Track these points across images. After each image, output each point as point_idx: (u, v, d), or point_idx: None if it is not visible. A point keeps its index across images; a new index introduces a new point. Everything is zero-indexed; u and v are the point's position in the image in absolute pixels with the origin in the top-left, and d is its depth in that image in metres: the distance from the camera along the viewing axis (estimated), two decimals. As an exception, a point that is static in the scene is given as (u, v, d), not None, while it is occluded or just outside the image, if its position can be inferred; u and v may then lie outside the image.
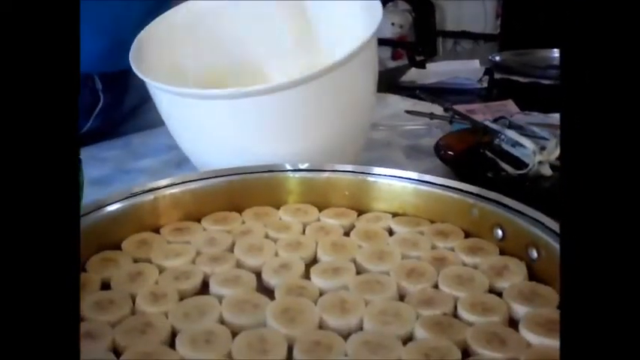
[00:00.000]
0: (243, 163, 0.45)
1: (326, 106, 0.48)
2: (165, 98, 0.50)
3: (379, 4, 0.51)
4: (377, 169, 0.43)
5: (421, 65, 1.22)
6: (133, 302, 0.32)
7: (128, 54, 0.73)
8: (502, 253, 0.37)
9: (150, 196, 0.40)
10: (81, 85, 0.70)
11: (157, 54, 0.55)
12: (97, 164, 0.62)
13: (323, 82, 0.46)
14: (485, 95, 1.00)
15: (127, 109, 0.79)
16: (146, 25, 0.56)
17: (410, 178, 0.42)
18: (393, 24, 2.87)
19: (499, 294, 0.33)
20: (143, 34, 0.55)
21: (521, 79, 1.05)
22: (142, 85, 0.77)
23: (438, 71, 1.13)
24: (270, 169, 0.45)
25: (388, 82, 1.01)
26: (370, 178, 0.43)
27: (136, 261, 0.37)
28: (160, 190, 0.41)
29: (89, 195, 0.54)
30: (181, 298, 0.33)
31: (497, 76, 1.09)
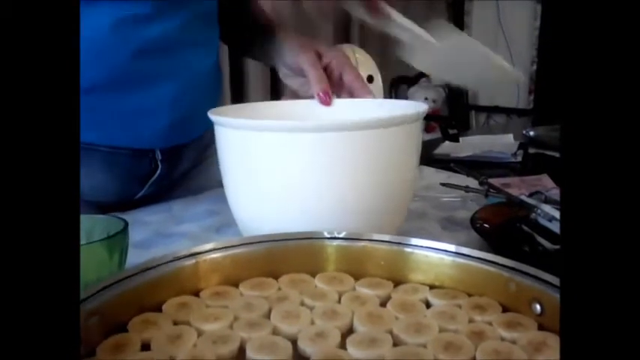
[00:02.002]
0: (288, 213, 0.48)
1: (374, 161, 0.50)
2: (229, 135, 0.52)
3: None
4: (414, 240, 0.44)
5: (454, 139, 1.24)
6: (172, 364, 0.33)
7: (185, 131, 0.77)
8: (541, 328, 0.36)
9: (192, 260, 0.41)
10: (142, 156, 0.74)
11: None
12: (140, 228, 0.64)
13: (377, 133, 0.49)
14: (520, 169, 1.00)
15: (177, 176, 0.82)
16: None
17: (447, 250, 0.43)
18: (426, 98, 2.94)
19: (539, 371, 0.32)
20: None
21: (556, 155, 1.06)
22: (190, 154, 0.81)
23: (471, 144, 1.14)
24: (308, 237, 0.46)
25: (422, 155, 1.03)
26: (407, 249, 0.44)
27: (175, 323, 0.38)
28: (202, 255, 0.42)
29: (131, 257, 0.56)
30: (219, 363, 0.33)
31: (531, 150, 1.10)
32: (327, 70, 0.66)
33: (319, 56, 0.66)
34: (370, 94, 0.66)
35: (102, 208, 0.73)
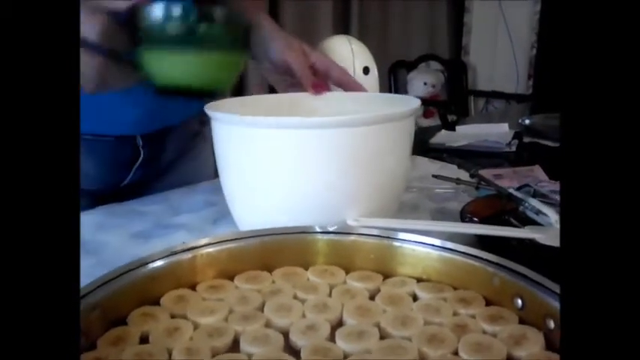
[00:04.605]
0: (283, 208, 0.50)
1: (367, 156, 0.52)
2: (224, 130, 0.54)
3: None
4: (402, 235, 0.46)
5: (452, 127, 1.25)
6: (170, 356, 0.35)
7: (164, 116, 0.79)
8: (522, 321, 0.38)
9: (188, 255, 0.43)
10: (123, 142, 0.76)
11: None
12: (138, 218, 0.66)
13: (370, 130, 0.51)
14: (514, 159, 1.02)
15: (164, 163, 0.84)
16: None
17: (433, 245, 0.44)
18: (425, 83, 2.94)
19: (517, 363, 0.34)
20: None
21: (550, 144, 1.07)
22: (175, 141, 0.83)
23: (467, 134, 1.15)
24: (301, 231, 0.47)
25: (418, 144, 1.05)
26: (395, 243, 0.46)
27: (173, 316, 0.39)
28: (198, 249, 0.44)
29: (130, 248, 0.58)
30: (213, 355, 0.35)
31: (526, 139, 1.11)
32: (312, 69, 0.68)
33: (305, 55, 0.68)
34: (360, 87, 0.67)
35: (91, 195, 0.75)
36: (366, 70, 0.82)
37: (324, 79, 0.69)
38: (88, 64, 0.43)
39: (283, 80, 0.70)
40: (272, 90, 0.76)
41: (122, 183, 0.81)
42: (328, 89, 0.69)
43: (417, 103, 0.57)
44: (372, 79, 0.82)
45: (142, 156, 0.79)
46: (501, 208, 0.61)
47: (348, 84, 0.68)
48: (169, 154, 0.84)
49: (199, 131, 0.87)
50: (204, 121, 0.56)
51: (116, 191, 0.78)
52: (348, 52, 0.81)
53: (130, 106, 0.72)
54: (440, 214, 0.68)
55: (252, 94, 0.71)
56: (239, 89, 2.35)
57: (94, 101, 0.69)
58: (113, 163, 0.78)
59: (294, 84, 0.69)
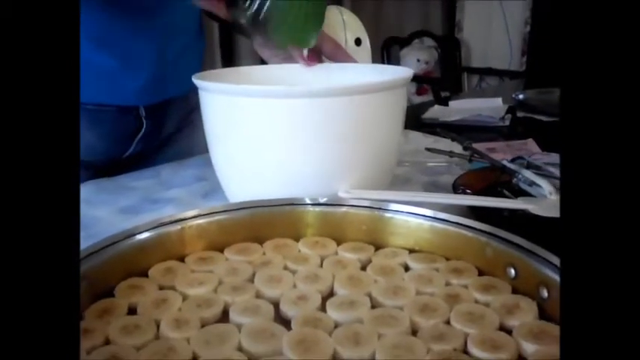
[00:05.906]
0: (273, 179, 0.49)
1: (359, 126, 0.51)
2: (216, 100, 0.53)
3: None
4: (393, 206, 0.45)
5: (445, 102, 1.24)
6: (158, 327, 0.34)
7: (167, 87, 0.78)
8: (514, 291, 0.38)
9: (177, 226, 0.42)
10: (127, 113, 0.76)
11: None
12: (127, 193, 0.65)
13: (362, 99, 0.50)
14: (508, 133, 1.01)
15: (164, 137, 0.84)
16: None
17: (425, 215, 0.44)
18: (418, 60, 2.91)
19: (509, 332, 0.33)
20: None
21: (544, 118, 1.06)
22: (175, 114, 0.82)
23: (460, 109, 1.14)
24: (291, 203, 0.47)
25: (411, 119, 1.03)
26: (387, 214, 0.45)
27: (161, 288, 0.39)
28: (187, 221, 0.43)
29: (118, 222, 0.57)
30: (203, 326, 0.34)
31: (519, 114, 1.10)
32: None
33: None
34: (352, 60, 0.67)
35: (92, 167, 0.75)
36: (358, 42, 0.81)
37: (317, 51, 0.68)
38: None
39: (275, 55, 0.69)
40: (263, 63, 0.75)
41: (123, 155, 0.80)
42: (320, 61, 0.68)
43: (409, 72, 0.56)
44: (365, 51, 0.80)
45: (144, 127, 0.79)
46: (494, 180, 0.61)
47: (339, 57, 0.67)
48: (169, 127, 0.84)
49: (197, 105, 0.86)
50: None
51: (116, 163, 0.78)
52: (340, 23, 0.80)
53: (132, 75, 0.72)
54: (432, 187, 0.67)
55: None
56: (229, 61, 2.32)
57: (97, 70, 0.69)
58: (116, 134, 0.77)
59: (286, 57, 0.68)
